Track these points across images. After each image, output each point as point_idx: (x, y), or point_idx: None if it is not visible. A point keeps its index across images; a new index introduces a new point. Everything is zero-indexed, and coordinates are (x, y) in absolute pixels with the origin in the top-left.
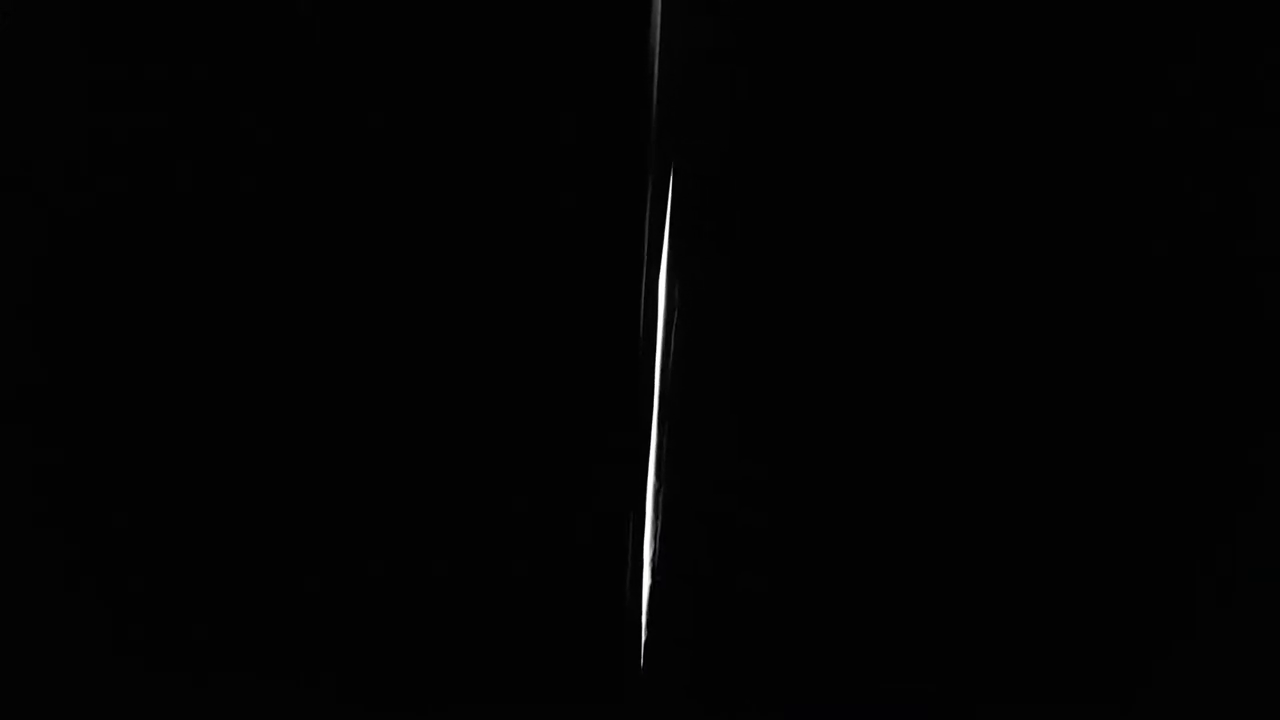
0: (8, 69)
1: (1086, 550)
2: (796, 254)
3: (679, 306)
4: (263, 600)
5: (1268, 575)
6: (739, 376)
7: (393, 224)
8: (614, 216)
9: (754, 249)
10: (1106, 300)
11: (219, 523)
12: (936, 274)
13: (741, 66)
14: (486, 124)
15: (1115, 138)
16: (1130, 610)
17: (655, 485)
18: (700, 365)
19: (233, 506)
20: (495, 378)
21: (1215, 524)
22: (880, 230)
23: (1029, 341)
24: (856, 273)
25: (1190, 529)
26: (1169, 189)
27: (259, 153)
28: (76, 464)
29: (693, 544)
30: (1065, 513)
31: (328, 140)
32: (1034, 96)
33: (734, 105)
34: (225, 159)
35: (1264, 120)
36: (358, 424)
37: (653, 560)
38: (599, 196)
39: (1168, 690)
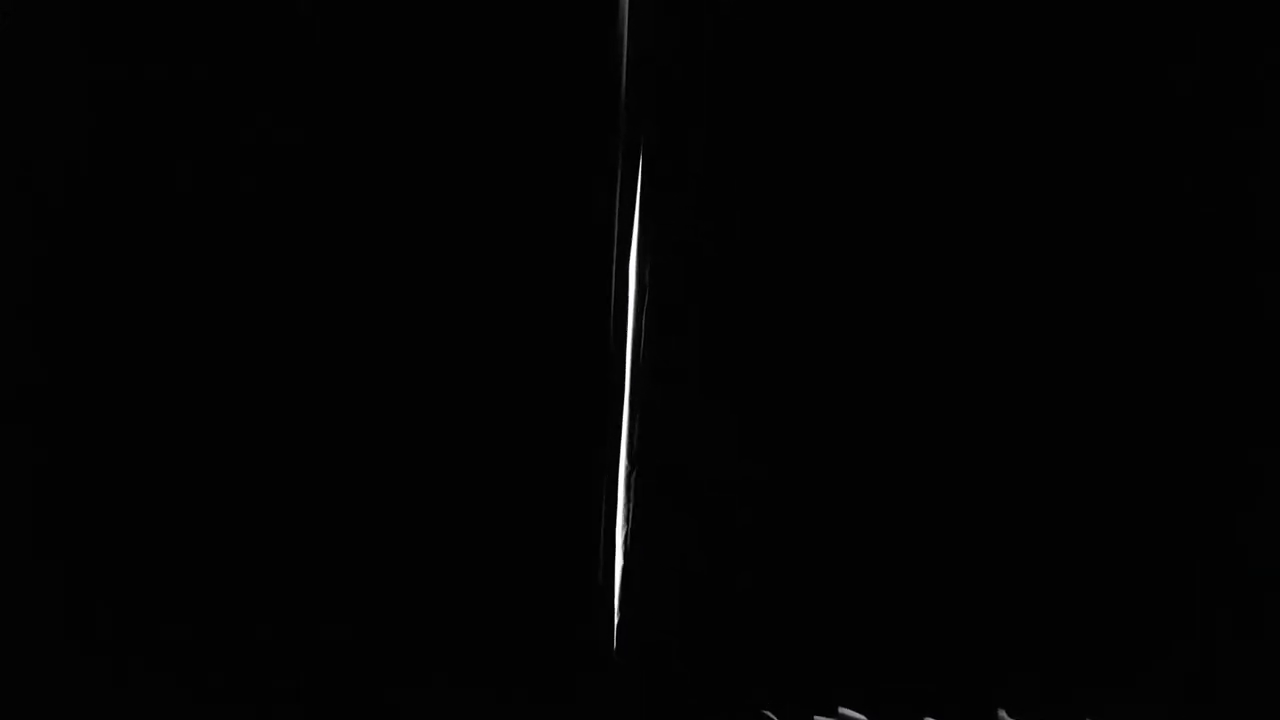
0: (8, 69)
1: (1084, 550)
2: (772, 245)
3: (649, 295)
4: (259, 599)
5: (1268, 575)
6: (720, 370)
7: (391, 225)
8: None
9: (726, 245)
10: (1107, 300)
11: (214, 522)
12: (933, 271)
13: (712, 49)
14: (472, 125)
15: (1116, 138)
16: (1131, 609)
17: (627, 476)
18: (673, 356)
19: (229, 506)
20: (465, 369)
21: (1215, 524)
22: (876, 226)
23: (1028, 341)
24: (841, 266)
25: (1190, 529)
26: (1169, 189)
27: (258, 153)
28: (76, 464)
29: (677, 538)
30: (1063, 513)
31: (327, 139)
32: (1034, 96)
33: (710, 89)
34: (225, 159)
35: (1264, 120)
36: (339, 417)
37: (624, 549)
38: (572, 183)
39: (1168, 688)
